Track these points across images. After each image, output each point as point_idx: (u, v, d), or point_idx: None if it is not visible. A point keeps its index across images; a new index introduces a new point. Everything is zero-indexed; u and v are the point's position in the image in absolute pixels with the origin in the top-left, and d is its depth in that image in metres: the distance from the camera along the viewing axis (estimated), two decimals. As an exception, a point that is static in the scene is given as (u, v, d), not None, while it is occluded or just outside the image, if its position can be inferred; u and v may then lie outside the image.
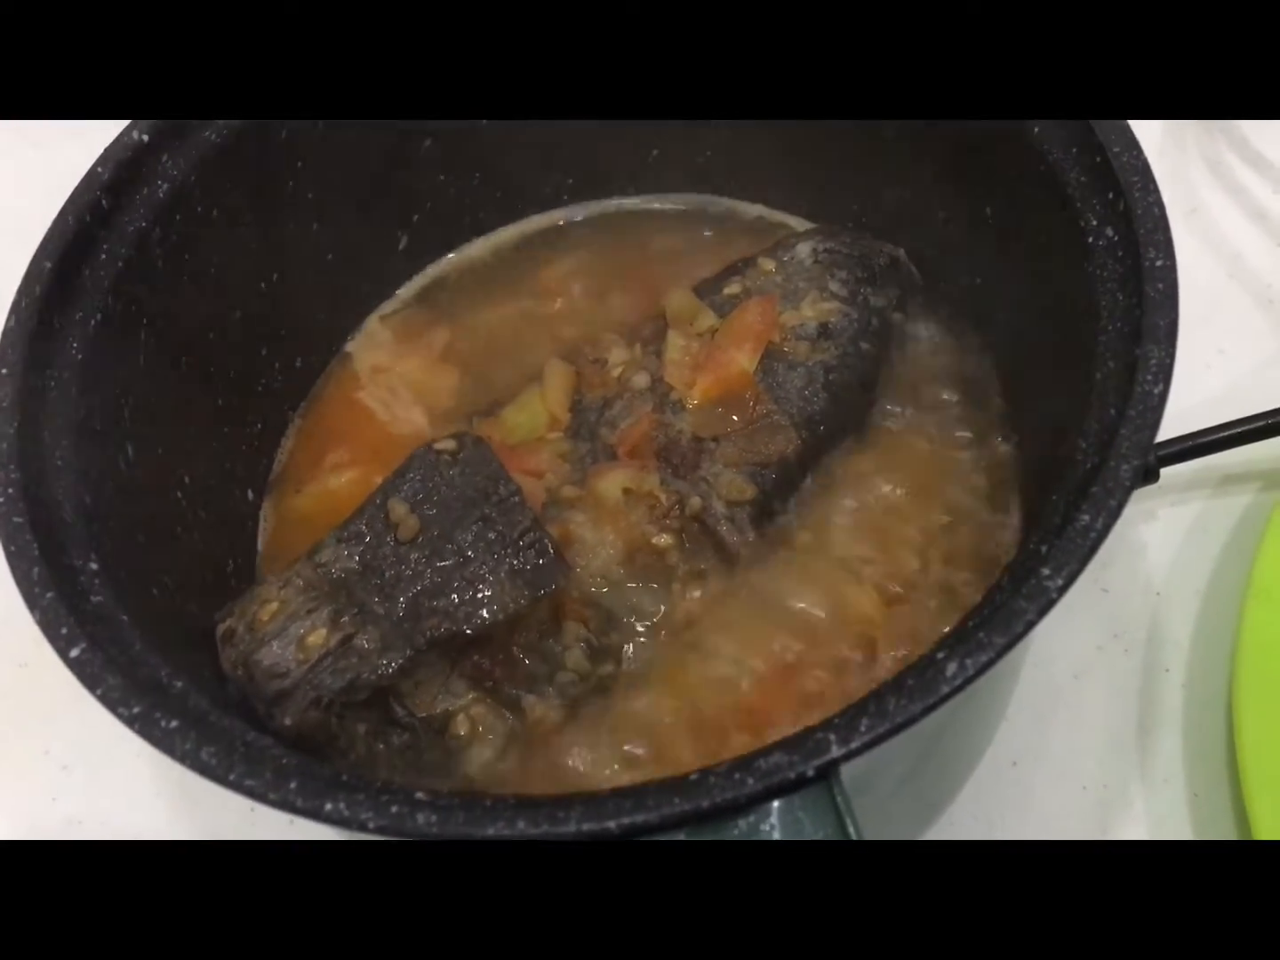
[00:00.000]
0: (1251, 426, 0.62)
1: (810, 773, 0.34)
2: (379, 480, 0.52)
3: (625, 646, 0.51)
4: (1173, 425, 0.56)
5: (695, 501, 0.52)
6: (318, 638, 0.48)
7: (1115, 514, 0.36)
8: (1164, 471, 0.61)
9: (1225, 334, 0.71)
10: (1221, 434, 0.62)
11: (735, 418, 0.53)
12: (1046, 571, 0.36)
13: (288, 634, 0.48)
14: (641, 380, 0.55)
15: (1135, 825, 0.58)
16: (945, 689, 0.35)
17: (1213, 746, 0.59)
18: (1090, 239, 0.44)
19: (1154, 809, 0.58)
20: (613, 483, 0.53)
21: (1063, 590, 0.35)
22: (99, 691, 0.38)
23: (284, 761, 0.37)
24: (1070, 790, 0.59)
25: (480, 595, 0.48)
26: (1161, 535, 0.65)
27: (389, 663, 0.48)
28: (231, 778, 0.36)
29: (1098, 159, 0.44)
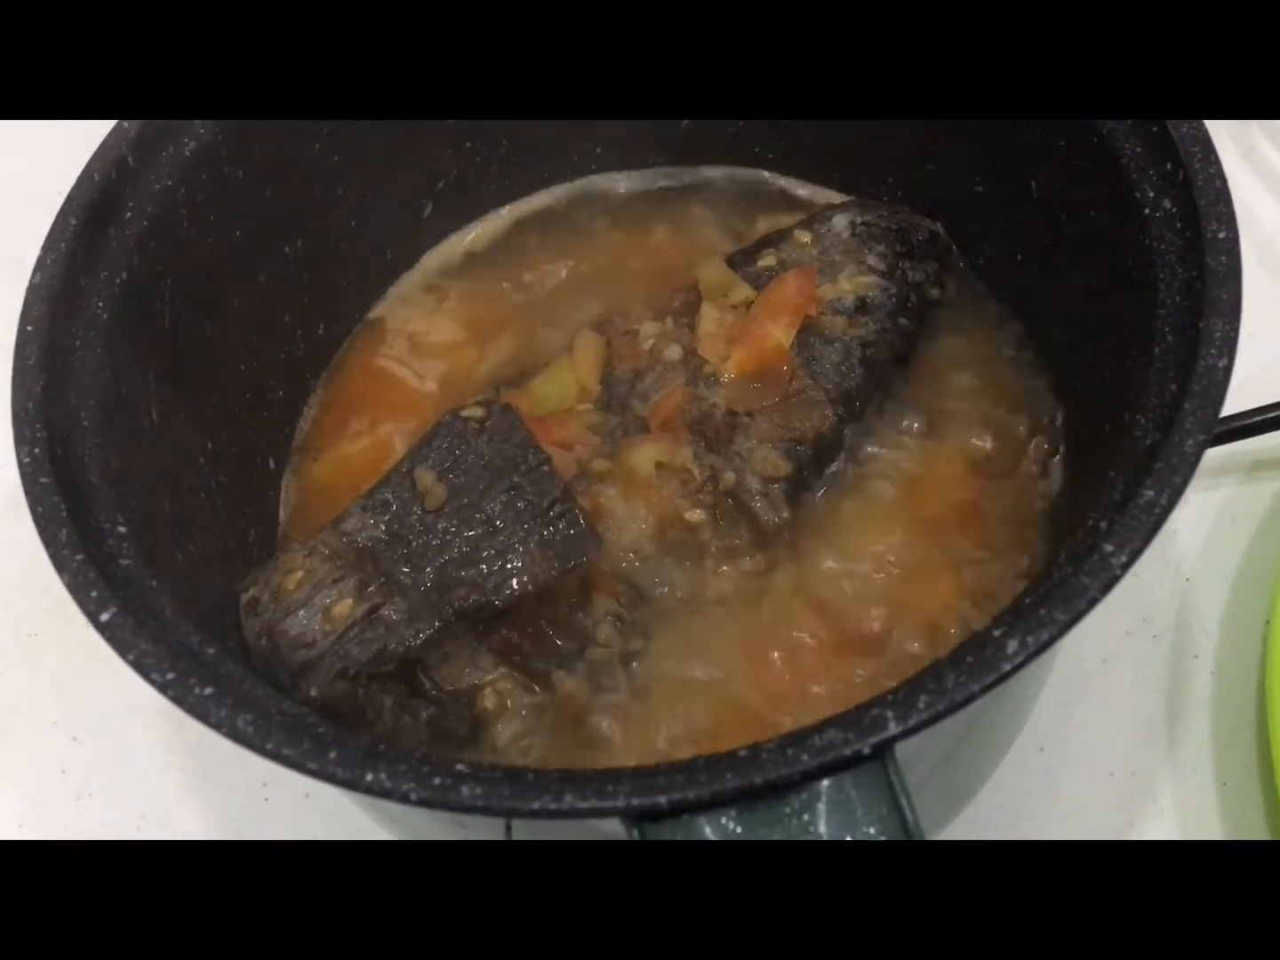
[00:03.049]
0: (1282, 412, 0.62)
1: (866, 750, 0.33)
2: (402, 449, 0.51)
3: (657, 622, 0.50)
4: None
5: (729, 476, 0.51)
6: (344, 608, 0.47)
7: (1180, 490, 0.35)
8: (1197, 456, 0.61)
9: (1255, 318, 0.70)
10: (1253, 419, 0.62)
11: (770, 392, 0.52)
12: (1109, 548, 0.35)
13: (313, 604, 0.47)
14: (674, 353, 0.54)
15: (1163, 814, 0.57)
16: (1006, 666, 0.34)
17: (1242, 734, 0.58)
18: (1147, 210, 0.43)
19: (1182, 797, 0.58)
20: (645, 456, 0.51)
21: (1126, 566, 0.35)
22: (131, 657, 0.37)
23: (321, 731, 0.36)
24: (1097, 777, 0.58)
25: (510, 566, 0.47)
26: (1191, 521, 0.65)
27: (416, 634, 0.47)
28: (269, 746, 0.35)
29: (1154, 128, 0.43)
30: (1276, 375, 0.66)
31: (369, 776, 0.34)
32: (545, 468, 0.49)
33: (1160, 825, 0.57)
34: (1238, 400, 0.62)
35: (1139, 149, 0.44)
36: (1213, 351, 0.37)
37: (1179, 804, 0.57)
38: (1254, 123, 0.78)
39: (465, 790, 0.33)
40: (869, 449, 0.54)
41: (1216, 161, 0.42)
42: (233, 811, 0.61)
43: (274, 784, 0.62)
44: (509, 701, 0.49)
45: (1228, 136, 0.78)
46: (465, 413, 0.51)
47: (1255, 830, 0.56)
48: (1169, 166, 0.43)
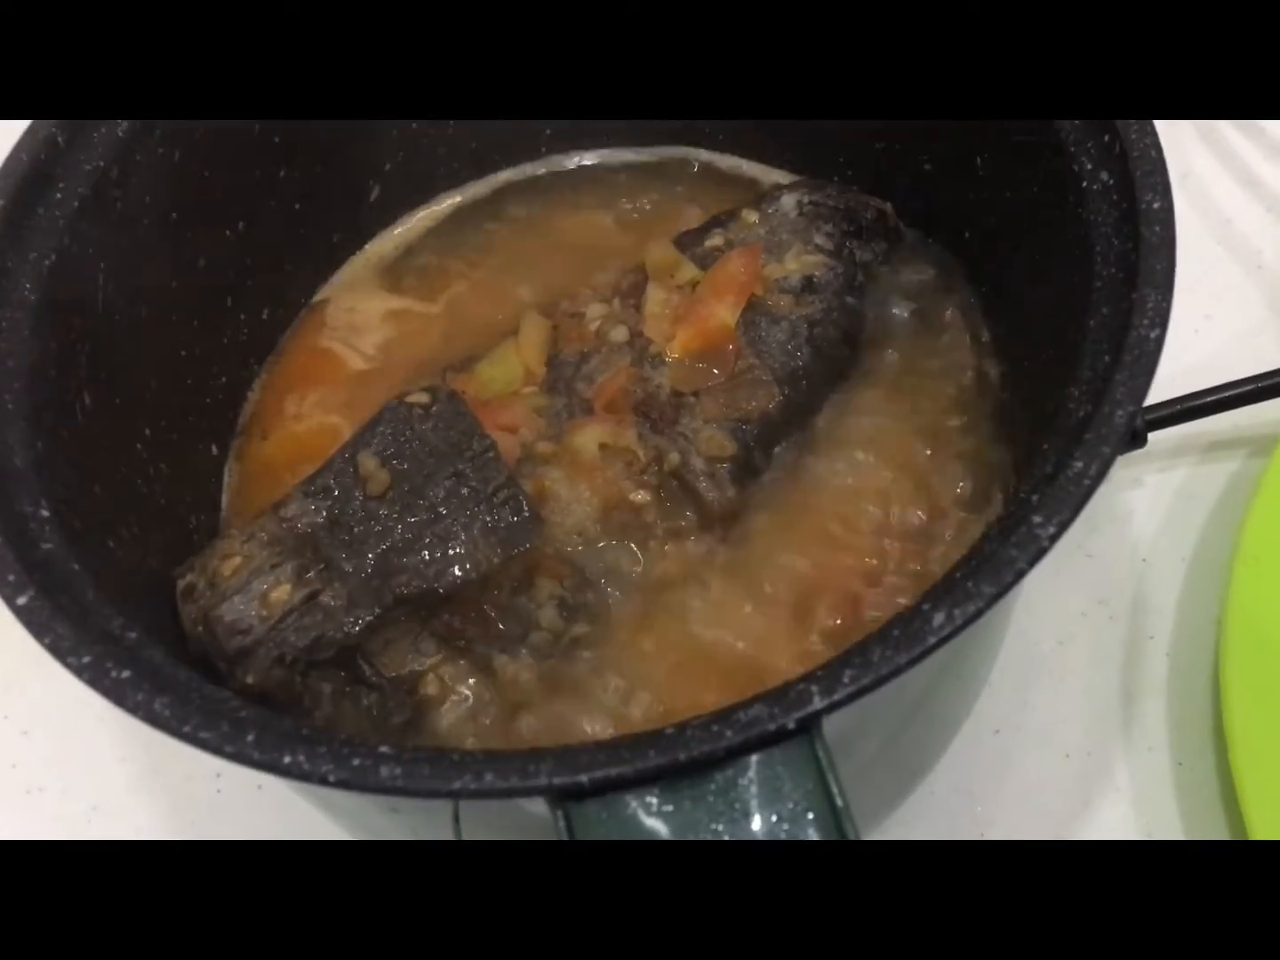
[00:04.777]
0: (1239, 391, 0.62)
1: (791, 725, 0.33)
2: (346, 433, 0.51)
3: (601, 605, 0.50)
4: (1160, 390, 0.55)
5: (674, 457, 0.51)
6: (282, 594, 0.46)
7: (1108, 461, 0.35)
8: (1151, 437, 0.61)
9: (1213, 300, 0.71)
10: (1209, 399, 0.62)
11: (716, 372, 0.52)
12: (1038, 519, 0.34)
13: (250, 589, 0.47)
14: (620, 334, 0.54)
15: (1119, 794, 0.57)
16: (932, 639, 0.33)
17: (1197, 714, 0.59)
18: (1085, 183, 0.42)
19: (1138, 778, 0.58)
20: (589, 438, 0.51)
21: (1054, 539, 0.34)
22: (47, 640, 0.36)
23: (242, 714, 0.35)
24: (1053, 758, 0.58)
25: (452, 552, 0.47)
26: (1148, 501, 0.65)
27: (356, 620, 0.46)
28: (186, 729, 0.34)
29: (1093, 102, 0.43)
30: (1234, 356, 0.66)
31: (286, 759, 0.33)
32: (490, 454, 0.49)
33: (1116, 805, 0.57)
34: (1195, 380, 0.62)
35: (1078, 122, 0.44)
36: (1144, 322, 0.37)
37: (1135, 784, 0.58)
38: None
39: (385, 771, 0.33)
40: (818, 427, 0.54)
41: (1153, 132, 0.41)
42: (185, 804, 0.60)
43: (227, 775, 0.61)
44: (451, 688, 0.48)
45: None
46: (410, 398, 0.50)
47: (1210, 811, 0.56)
48: (1106, 139, 0.42)
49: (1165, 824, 0.56)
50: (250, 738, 0.34)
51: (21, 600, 0.37)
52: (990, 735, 0.59)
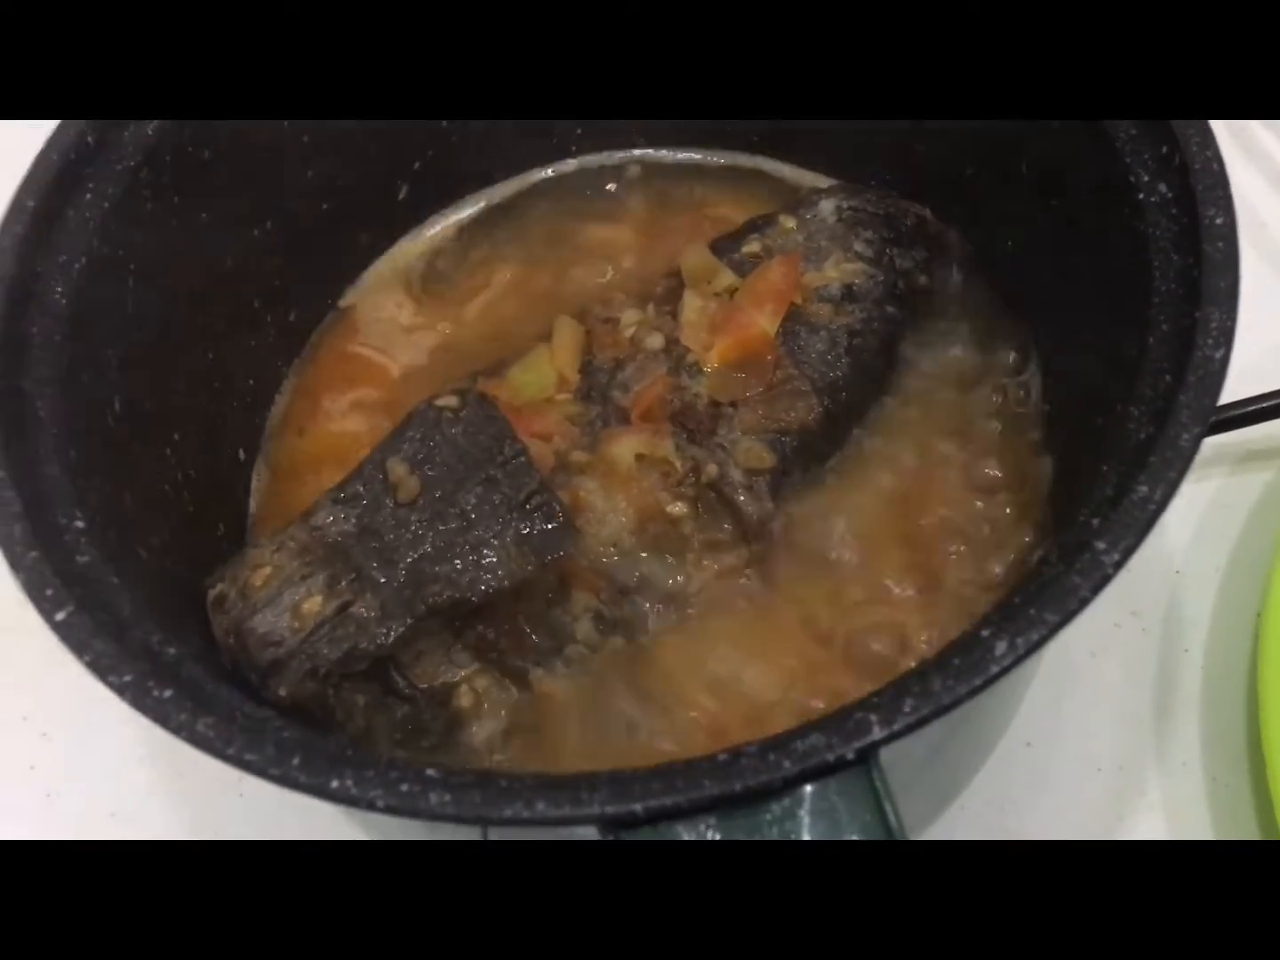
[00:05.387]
0: (1275, 402, 0.61)
1: (850, 755, 0.32)
2: (375, 438, 0.50)
3: (638, 619, 0.49)
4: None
5: (712, 469, 0.50)
6: (313, 605, 0.46)
7: (1175, 485, 0.34)
8: (1187, 447, 0.60)
9: (1248, 308, 0.69)
10: (1245, 409, 0.61)
11: (754, 382, 0.51)
12: (1102, 546, 0.34)
13: (281, 601, 0.46)
14: (655, 341, 0.53)
15: (1151, 810, 0.57)
16: (994, 669, 0.33)
17: (1232, 729, 0.58)
18: (1142, 195, 0.42)
19: (1171, 794, 0.57)
20: (625, 447, 0.50)
21: (1119, 565, 0.34)
22: (87, 658, 0.35)
23: (285, 735, 0.34)
24: (1085, 773, 0.58)
25: (485, 560, 0.46)
26: (1181, 512, 0.64)
27: (388, 632, 0.45)
28: (230, 751, 0.33)
29: (1149, 111, 0.42)
30: (1270, 365, 0.66)
31: (334, 783, 0.33)
32: (522, 459, 0.48)
33: (1149, 821, 0.57)
34: (1230, 390, 0.61)
35: (1134, 131, 0.43)
36: (1209, 342, 0.36)
37: (1168, 800, 0.57)
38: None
39: (434, 797, 0.32)
40: (858, 440, 0.53)
41: (1214, 145, 0.41)
42: (206, 808, 0.60)
43: (249, 780, 0.60)
44: (485, 700, 0.48)
45: (1222, 121, 0.77)
46: (440, 402, 0.50)
47: (1245, 827, 0.56)
48: (1165, 150, 0.42)
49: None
50: (295, 761, 0.33)
51: (60, 616, 0.36)
52: (1022, 748, 0.58)
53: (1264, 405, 0.61)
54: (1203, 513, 0.64)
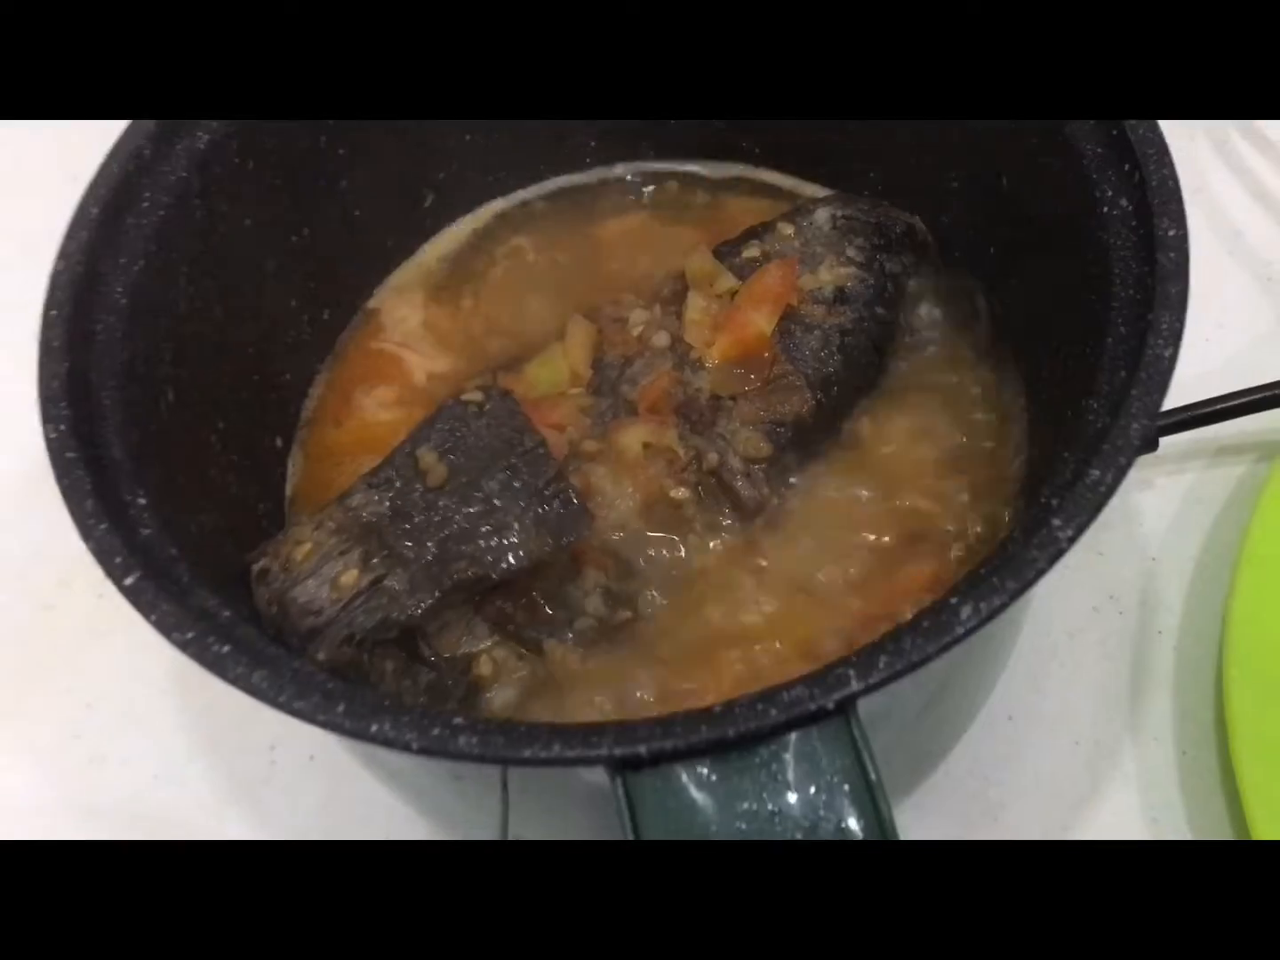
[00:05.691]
0: (1248, 399, 0.65)
1: (830, 705, 0.36)
2: (402, 431, 0.54)
3: (643, 594, 0.53)
4: (1172, 396, 0.57)
5: (712, 457, 0.54)
6: (350, 578, 0.50)
7: (1124, 470, 0.38)
8: (1162, 441, 0.64)
9: (1225, 310, 0.73)
10: (1219, 406, 0.64)
11: (752, 377, 0.55)
12: (1057, 523, 0.38)
13: (321, 574, 0.50)
14: (662, 339, 0.57)
15: (1125, 781, 0.60)
16: (960, 630, 0.37)
17: (1202, 706, 0.61)
18: (1105, 208, 0.45)
19: (1144, 765, 0.60)
20: (633, 437, 0.54)
21: (1072, 540, 0.37)
22: (153, 618, 0.39)
23: (330, 686, 0.38)
24: (1063, 746, 0.61)
25: (507, 541, 0.50)
26: (1158, 503, 0.67)
27: (417, 604, 0.49)
28: (282, 699, 0.37)
29: (1114, 132, 0.46)
30: (1243, 364, 0.69)
31: (374, 727, 0.37)
32: (541, 450, 0.52)
33: (1123, 792, 0.60)
34: (1206, 388, 0.65)
35: (1099, 150, 0.47)
36: (1159, 342, 0.40)
37: (1141, 771, 0.60)
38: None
39: (462, 740, 0.36)
40: (849, 430, 0.57)
41: (1170, 163, 0.44)
42: (240, 773, 0.63)
43: (280, 747, 0.64)
44: (503, 669, 0.52)
45: (1201, 129, 0.80)
46: (465, 397, 0.53)
47: (1212, 797, 0.59)
48: (1126, 167, 0.45)
49: (1169, 810, 0.59)
50: (340, 708, 0.37)
51: (129, 581, 0.40)
52: (1004, 721, 0.62)
53: (1238, 402, 0.64)
54: (1178, 504, 0.67)
